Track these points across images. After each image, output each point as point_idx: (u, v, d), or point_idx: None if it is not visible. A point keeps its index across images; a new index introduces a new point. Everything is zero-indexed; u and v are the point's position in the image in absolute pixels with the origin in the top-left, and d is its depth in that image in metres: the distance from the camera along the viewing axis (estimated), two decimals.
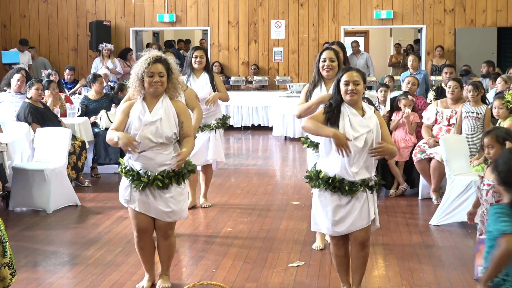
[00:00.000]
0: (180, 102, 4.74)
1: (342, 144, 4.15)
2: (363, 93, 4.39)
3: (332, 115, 4.31)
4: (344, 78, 4.30)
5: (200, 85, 6.93)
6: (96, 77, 9.63)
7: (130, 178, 4.57)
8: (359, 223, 4.34)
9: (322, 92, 5.44)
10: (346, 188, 4.27)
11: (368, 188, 4.33)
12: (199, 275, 5.10)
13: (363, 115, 4.31)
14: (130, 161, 4.61)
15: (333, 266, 5.17)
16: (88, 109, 9.34)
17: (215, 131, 7.05)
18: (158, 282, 4.82)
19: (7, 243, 4.10)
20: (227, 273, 5.17)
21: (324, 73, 5.46)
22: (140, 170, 4.55)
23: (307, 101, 5.49)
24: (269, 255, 5.59)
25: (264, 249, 5.77)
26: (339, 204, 4.33)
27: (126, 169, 4.61)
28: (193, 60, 6.97)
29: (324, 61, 5.46)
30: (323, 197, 4.37)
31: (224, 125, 7.18)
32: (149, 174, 4.52)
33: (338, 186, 4.29)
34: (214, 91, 6.98)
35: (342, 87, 4.30)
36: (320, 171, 4.37)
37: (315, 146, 5.48)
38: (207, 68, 7.07)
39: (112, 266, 5.32)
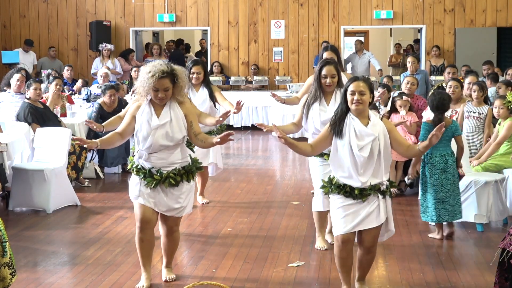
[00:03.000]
0: (187, 104, 4.78)
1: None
2: (370, 103, 4.42)
3: (336, 127, 4.39)
4: (350, 88, 4.35)
5: (200, 99, 6.92)
6: (106, 89, 9.08)
7: (142, 175, 4.66)
8: (369, 223, 4.38)
9: (322, 105, 5.41)
10: (356, 193, 4.34)
11: (380, 193, 4.39)
12: (199, 275, 5.11)
13: (368, 124, 4.35)
14: (140, 160, 4.69)
15: (333, 266, 5.19)
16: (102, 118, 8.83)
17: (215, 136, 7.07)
18: (163, 274, 4.99)
19: (7, 243, 4.11)
20: (227, 273, 5.17)
21: (326, 89, 5.46)
22: (152, 168, 4.64)
23: (303, 113, 5.48)
24: (269, 255, 5.59)
25: (264, 249, 5.78)
26: (351, 203, 4.39)
27: (138, 167, 4.70)
28: (190, 76, 6.91)
29: (325, 77, 5.42)
30: (337, 197, 4.44)
31: (223, 131, 7.22)
32: (161, 172, 4.62)
33: (349, 191, 4.37)
34: (214, 104, 7.00)
35: (348, 97, 4.36)
36: (333, 178, 4.47)
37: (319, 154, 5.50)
38: (206, 82, 7.05)
39: (112, 266, 5.32)
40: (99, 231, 6.37)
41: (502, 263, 4.10)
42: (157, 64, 4.58)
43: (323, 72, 5.43)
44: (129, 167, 4.82)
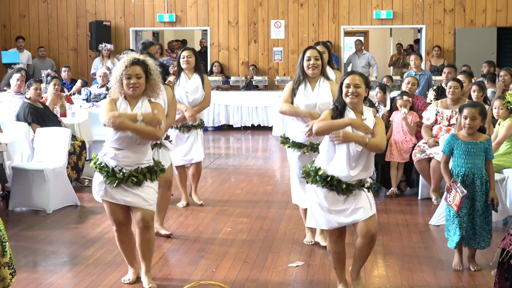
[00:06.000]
0: (159, 104, 4.78)
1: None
2: (366, 97, 4.45)
3: (336, 119, 4.40)
4: (346, 81, 4.40)
5: (193, 86, 6.98)
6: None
7: (105, 174, 4.62)
8: (361, 214, 4.35)
9: (307, 90, 5.53)
10: (343, 187, 4.34)
11: (365, 188, 4.43)
12: (199, 275, 5.10)
13: (361, 118, 4.38)
14: (105, 157, 4.65)
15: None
16: None
17: (197, 132, 7.11)
18: (144, 282, 4.78)
19: (7, 243, 4.11)
20: (227, 273, 5.17)
21: (309, 71, 5.54)
22: (116, 166, 4.61)
23: (291, 99, 5.56)
24: (269, 255, 5.59)
25: (263, 249, 5.78)
26: (335, 197, 4.39)
27: (101, 165, 4.65)
28: (181, 60, 7.02)
29: (309, 59, 5.52)
30: (319, 190, 4.43)
31: (203, 125, 7.23)
32: (124, 171, 4.59)
33: (335, 184, 4.36)
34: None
35: (344, 90, 4.40)
36: (320, 168, 4.43)
37: (295, 146, 5.60)
38: (198, 69, 7.08)
39: (112, 266, 5.32)
40: (99, 231, 6.37)
41: (502, 263, 4.11)
42: (128, 54, 4.66)
43: (307, 54, 5.55)
44: (91, 164, 4.76)
